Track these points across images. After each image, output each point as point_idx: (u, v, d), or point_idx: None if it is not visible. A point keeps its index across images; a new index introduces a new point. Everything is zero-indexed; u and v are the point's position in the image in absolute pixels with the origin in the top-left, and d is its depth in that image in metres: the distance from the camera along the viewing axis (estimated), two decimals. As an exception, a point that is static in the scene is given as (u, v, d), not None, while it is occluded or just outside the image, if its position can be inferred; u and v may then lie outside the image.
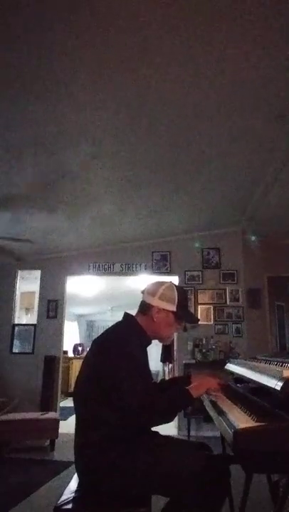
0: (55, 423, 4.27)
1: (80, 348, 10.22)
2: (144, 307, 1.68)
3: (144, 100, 2.55)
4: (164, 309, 1.65)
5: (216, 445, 1.87)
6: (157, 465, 1.43)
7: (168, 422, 1.52)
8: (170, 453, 1.51)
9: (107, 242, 5.48)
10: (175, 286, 1.72)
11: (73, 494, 1.47)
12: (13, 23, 1.88)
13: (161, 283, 1.72)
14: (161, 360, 6.44)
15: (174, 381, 1.95)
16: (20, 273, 5.77)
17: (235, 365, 2.10)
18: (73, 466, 1.57)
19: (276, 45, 2.10)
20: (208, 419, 2.81)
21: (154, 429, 1.61)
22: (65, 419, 5.29)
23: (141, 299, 1.73)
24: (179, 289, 1.73)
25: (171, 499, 1.55)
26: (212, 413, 1.69)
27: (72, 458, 1.56)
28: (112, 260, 5.53)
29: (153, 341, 1.72)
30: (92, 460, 1.45)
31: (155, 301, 1.65)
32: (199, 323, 4.50)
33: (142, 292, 1.73)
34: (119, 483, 1.42)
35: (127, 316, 1.72)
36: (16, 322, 5.61)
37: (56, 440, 4.25)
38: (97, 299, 8.22)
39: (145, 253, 5.50)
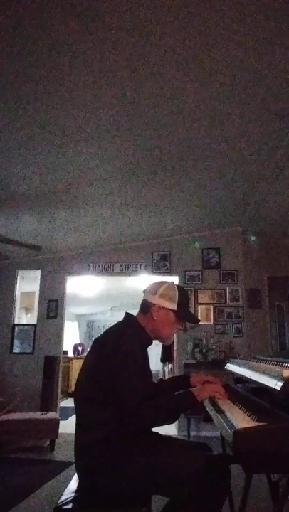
0: (55, 423, 4.27)
1: (80, 348, 10.22)
2: (145, 306, 1.69)
3: (144, 100, 2.55)
4: (164, 307, 1.66)
5: (216, 445, 1.87)
6: (157, 465, 1.43)
7: (170, 423, 1.52)
8: (170, 453, 1.51)
9: (107, 242, 5.48)
10: (176, 285, 1.73)
11: (73, 494, 1.47)
12: (13, 22, 1.88)
13: (163, 282, 1.74)
14: (161, 360, 6.44)
15: (173, 381, 1.95)
16: (20, 273, 5.77)
17: (235, 365, 2.10)
18: (73, 466, 1.58)
19: (277, 45, 2.10)
20: (208, 419, 2.81)
21: (154, 429, 1.61)
22: (65, 419, 5.29)
23: (142, 299, 1.74)
24: (180, 288, 1.74)
25: (171, 499, 1.56)
26: (212, 413, 1.69)
27: (72, 458, 1.56)
28: (112, 260, 5.54)
29: (153, 341, 1.72)
30: (92, 460, 1.45)
31: (155, 299, 1.66)
32: (199, 323, 4.49)
33: (144, 292, 1.74)
34: (119, 483, 1.42)
35: (128, 316, 1.72)
36: (16, 322, 5.61)
37: (56, 440, 4.25)
38: (97, 299, 8.22)
39: (145, 253, 5.50)
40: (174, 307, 1.66)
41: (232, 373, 2.13)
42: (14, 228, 4.66)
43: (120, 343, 1.53)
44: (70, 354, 9.66)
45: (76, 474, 1.57)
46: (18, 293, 5.73)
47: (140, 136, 2.97)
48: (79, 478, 1.54)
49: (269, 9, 1.86)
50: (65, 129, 2.80)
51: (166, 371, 7.20)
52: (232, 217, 5.03)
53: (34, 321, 5.57)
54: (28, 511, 2.67)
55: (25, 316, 5.99)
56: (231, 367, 2.15)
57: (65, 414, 5.59)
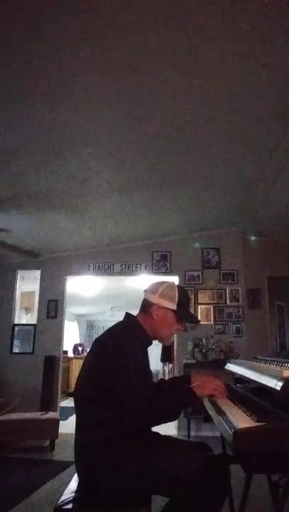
0: (55, 423, 4.27)
1: (80, 348, 10.23)
2: (145, 305, 1.70)
3: (144, 101, 2.55)
4: (163, 307, 1.66)
5: (216, 445, 1.87)
6: (157, 465, 1.43)
7: (171, 421, 1.53)
8: (170, 453, 1.51)
9: (107, 242, 5.48)
10: (176, 286, 1.74)
11: (73, 494, 1.47)
12: (14, 22, 1.88)
13: (163, 282, 1.75)
14: (161, 360, 6.45)
15: (173, 381, 1.95)
16: (20, 273, 5.77)
17: (235, 365, 2.10)
18: (73, 466, 1.58)
19: (276, 45, 2.10)
20: (208, 419, 2.81)
21: (154, 429, 1.61)
22: (65, 419, 5.29)
23: (142, 299, 1.74)
24: (180, 288, 1.74)
25: (171, 499, 1.56)
26: (212, 413, 1.69)
27: (72, 458, 1.57)
28: (112, 260, 5.53)
29: (153, 341, 1.73)
30: (93, 460, 1.46)
31: (155, 299, 1.67)
32: (199, 323, 4.50)
33: (144, 291, 1.75)
34: (119, 483, 1.42)
35: (128, 316, 1.72)
36: (16, 322, 5.61)
37: (56, 440, 4.25)
38: (97, 299, 8.22)
39: (145, 253, 5.50)
40: (174, 307, 1.67)
41: (232, 373, 2.14)
42: (14, 228, 4.66)
43: (120, 343, 1.53)
44: (70, 354, 9.66)
45: (76, 474, 1.58)
46: (18, 293, 5.73)
47: (140, 137, 2.97)
48: (79, 478, 1.54)
49: (269, 7, 1.86)
50: (65, 129, 2.80)
51: (166, 371, 7.20)
52: (232, 218, 5.03)
53: (34, 321, 5.56)
54: (28, 511, 2.67)
55: (25, 316, 5.99)
56: (231, 367, 2.15)
57: (65, 414, 5.58)
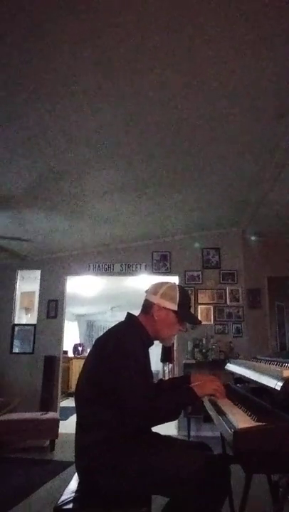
0: (55, 423, 4.27)
1: (80, 348, 10.23)
2: (146, 306, 1.70)
3: (144, 101, 2.55)
4: (164, 308, 1.66)
5: (216, 445, 1.86)
6: (157, 465, 1.43)
7: (171, 421, 1.53)
8: (170, 453, 1.51)
9: (107, 242, 5.48)
10: (178, 286, 1.74)
11: (73, 494, 1.47)
12: (14, 22, 1.88)
13: (164, 283, 1.75)
14: (161, 360, 6.45)
15: (173, 381, 1.95)
16: (20, 273, 5.77)
17: (235, 365, 2.10)
18: (73, 466, 1.58)
19: (276, 45, 2.10)
20: (208, 419, 2.82)
21: (154, 429, 1.61)
22: (65, 419, 5.29)
23: (143, 299, 1.74)
24: (181, 289, 1.74)
25: (171, 499, 1.56)
26: (212, 413, 1.69)
27: (72, 458, 1.57)
28: (112, 260, 5.54)
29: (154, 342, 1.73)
30: (93, 461, 1.46)
31: (156, 299, 1.67)
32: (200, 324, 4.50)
33: (146, 292, 1.75)
34: (119, 483, 1.42)
35: (129, 316, 1.72)
36: (16, 322, 5.61)
37: (56, 440, 4.25)
38: (97, 299, 8.21)
39: (145, 253, 5.50)
40: (175, 307, 1.66)
41: (232, 373, 2.14)
42: (14, 228, 4.66)
43: (121, 343, 1.53)
44: (70, 354, 9.66)
45: (76, 474, 1.58)
46: (18, 293, 5.73)
47: (140, 137, 2.97)
48: (79, 479, 1.54)
49: (269, 7, 1.86)
50: (65, 129, 2.80)
51: (166, 371, 7.20)
52: (232, 218, 5.03)
53: (34, 321, 5.57)
54: (28, 511, 2.67)
55: (25, 316, 5.99)
56: (231, 367, 2.15)
57: (65, 414, 5.58)
